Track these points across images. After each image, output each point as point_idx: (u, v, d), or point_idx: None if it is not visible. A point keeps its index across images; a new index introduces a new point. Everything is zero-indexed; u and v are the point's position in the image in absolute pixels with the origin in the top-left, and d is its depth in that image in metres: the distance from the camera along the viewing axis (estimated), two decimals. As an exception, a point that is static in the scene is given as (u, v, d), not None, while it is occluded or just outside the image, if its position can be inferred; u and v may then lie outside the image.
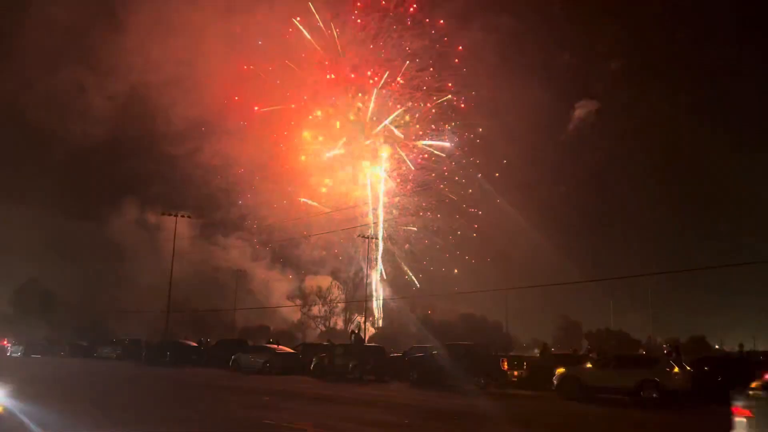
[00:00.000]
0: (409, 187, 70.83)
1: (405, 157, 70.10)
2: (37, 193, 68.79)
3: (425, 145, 70.33)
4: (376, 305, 66.87)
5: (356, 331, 36.28)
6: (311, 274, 68.66)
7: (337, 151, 70.35)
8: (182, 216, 51.31)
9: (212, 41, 68.04)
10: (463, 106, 70.38)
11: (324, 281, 65.48)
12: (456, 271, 70.37)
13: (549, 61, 79.40)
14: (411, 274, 69.74)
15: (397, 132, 69.99)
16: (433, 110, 70.31)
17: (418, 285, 69.23)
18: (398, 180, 71.50)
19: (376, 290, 67.38)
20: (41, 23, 66.83)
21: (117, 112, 70.31)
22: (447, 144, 70.00)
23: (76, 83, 68.94)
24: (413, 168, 70.26)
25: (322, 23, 68.44)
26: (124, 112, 70.47)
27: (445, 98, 69.62)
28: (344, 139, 70.66)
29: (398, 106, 69.88)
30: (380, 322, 66.93)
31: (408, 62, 68.88)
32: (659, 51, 79.81)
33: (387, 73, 68.80)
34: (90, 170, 76.93)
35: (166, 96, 66.54)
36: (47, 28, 66.62)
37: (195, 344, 40.07)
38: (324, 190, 70.87)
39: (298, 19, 67.89)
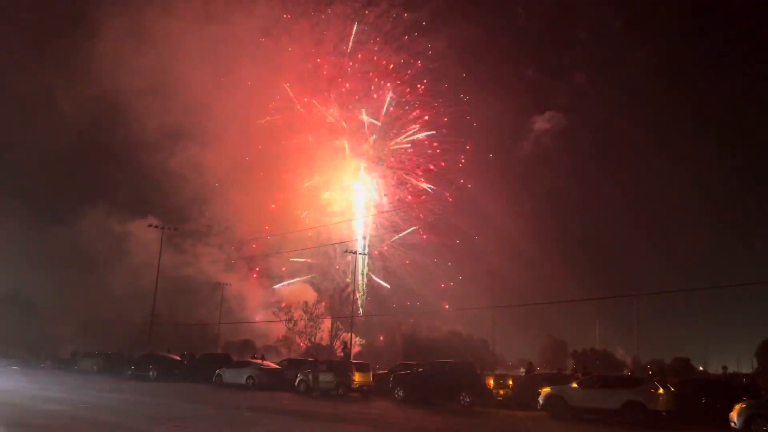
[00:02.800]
0: (388, 206, 70.96)
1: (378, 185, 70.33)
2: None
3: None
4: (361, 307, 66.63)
5: (343, 347, 36.07)
6: (290, 284, 68.03)
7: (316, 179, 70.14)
8: (170, 229, 50.97)
9: (187, 50, 67.36)
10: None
11: (303, 291, 65.09)
12: (442, 285, 70.24)
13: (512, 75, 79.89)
14: (384, 282, 69.44)
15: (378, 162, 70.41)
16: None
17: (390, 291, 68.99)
18: (381, 196, 71.64)
19: (362, 306, 67.21)
20: (9, 26, 65.73)
21: (87, 119, 69.00)
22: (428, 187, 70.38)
23: (45, 88, 67.44)
24: (384, 195, 70.49)
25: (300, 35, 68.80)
26: (95, 119, 69.24)
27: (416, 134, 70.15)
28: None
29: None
30: (363, 339, 66.71)
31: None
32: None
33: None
34: (58, 177, 74.70)
35: (140, 104, 65.58)
36: (16, 32, 65.65)
37: (178, 358, 39.52)
38: (305, 214, 70.37)
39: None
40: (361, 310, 66.38)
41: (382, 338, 64.26)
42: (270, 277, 70.48)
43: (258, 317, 64.01)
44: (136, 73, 65.70)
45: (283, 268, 70.57)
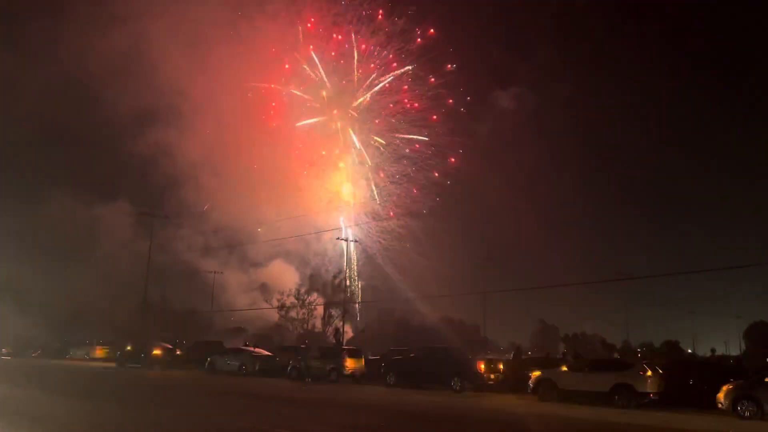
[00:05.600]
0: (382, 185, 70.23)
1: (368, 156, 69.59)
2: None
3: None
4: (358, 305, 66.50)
5: (335, 334, 36.22)
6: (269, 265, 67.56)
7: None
8: (162, 217, 50.73)
9: (159, 31, 65.42)
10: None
11: (284, 273, 64.75)
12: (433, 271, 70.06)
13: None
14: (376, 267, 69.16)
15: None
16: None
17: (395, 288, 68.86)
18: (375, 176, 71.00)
19: (355, 293, 67.15)
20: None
21: (54, 102, 66.99)
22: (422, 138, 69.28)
23: (8, 70, 64.95)
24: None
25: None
26: (62, 102, 67.34)
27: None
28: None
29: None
30: (359, 325, 66.70)
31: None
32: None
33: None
34: (26, 161, 73.64)
35: (109, 86, 64.31)
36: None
37: (170, 346, 39.55)
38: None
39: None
40: (359, 299, 66.26)
41: (374, 325, 64.34)
42: (253, 264, 69.69)
43: (242, 302, 63.61)
44: (105, 54, 63.95)
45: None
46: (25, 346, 48.62)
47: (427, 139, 68.71)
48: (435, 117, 68.57)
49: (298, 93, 69.80)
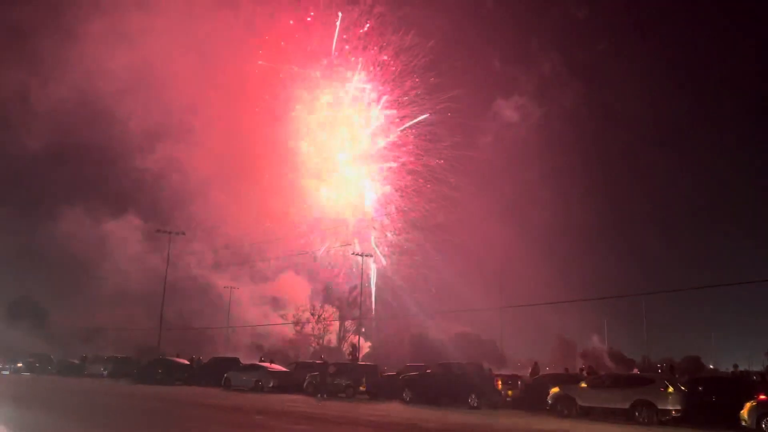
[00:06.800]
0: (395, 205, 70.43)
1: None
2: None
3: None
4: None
5: (351, 350, 36.14)
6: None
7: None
8: (177, 233, 51.18)
9: (170, 48, 65.59)
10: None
11: (297, 284, 64.79)
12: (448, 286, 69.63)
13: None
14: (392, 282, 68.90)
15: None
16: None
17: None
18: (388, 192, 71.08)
19: (370, 308, 66.92)
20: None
21: (66, 120, 66.82)
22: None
23: (20, 88, 65.48)
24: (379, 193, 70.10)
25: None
26: (74, 120, 67.32)
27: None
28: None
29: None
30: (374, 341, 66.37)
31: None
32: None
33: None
34: (37, 177, 74.76)
35: (120, 104, 64.28)
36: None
37: (187, 362, 39.69)
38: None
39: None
40: (373, 314, 66.04)
41: (389, 340, 63.92)
42: (263, 278, 69.85)
43: (253, 315, 63.64)
44: (116, 71, 64.10)
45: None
46: (44, 362, 49.01)
47: (441, 161, 69.28)
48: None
49: (306, 114, 70.52)
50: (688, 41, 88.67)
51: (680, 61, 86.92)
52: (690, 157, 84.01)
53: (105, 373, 43.07)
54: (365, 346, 61.11)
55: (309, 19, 68.61)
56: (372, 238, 68.57)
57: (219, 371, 34.83)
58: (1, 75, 64.84)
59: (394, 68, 68.79)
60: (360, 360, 45.43)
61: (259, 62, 66.98)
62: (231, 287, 62.65)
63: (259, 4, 69.01)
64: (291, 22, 68.07)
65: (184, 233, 53.65)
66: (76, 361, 48.17)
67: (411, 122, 69.14)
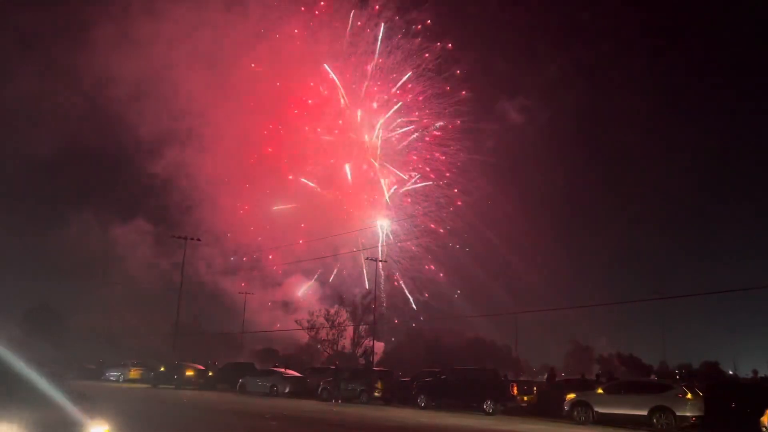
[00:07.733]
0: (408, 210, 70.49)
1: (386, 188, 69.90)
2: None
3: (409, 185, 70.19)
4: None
5: (363, 354, 36.10)
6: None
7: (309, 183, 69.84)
8: (192, 239, 51.47)
9: (179, 54, 67.04)
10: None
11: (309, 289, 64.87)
12: (457, 293, 69.49)
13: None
14: (409, 296, 69.03)
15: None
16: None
17: (414, 307, 68.48)
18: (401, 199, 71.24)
19: (384, 314, 66.92)
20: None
21: (77, 125, 69.00)
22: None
23: (31, 94, 66.75)
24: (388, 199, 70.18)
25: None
26: (85, 126, 69.38)
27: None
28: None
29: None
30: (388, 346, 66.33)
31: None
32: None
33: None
34: (48, 183, 75.50)
35: (130, 109, 65.62)
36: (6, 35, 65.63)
37: (202, 367, 39.91)
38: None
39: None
40: (387, 320, 66.09)
41: (404, 346, 63.88)
42: (274, 283, 70.20)
43: (264, 320, 63.92)
44: (125, 79, 65.26)
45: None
46: (64, 368, 49.40)
47: (452, 166, 69.32)
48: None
49: (320, 131, 71.02)
50: (694, 41, 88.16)
51: (687, 60, 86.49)
52: (707, 159, 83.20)
53: (122, 378, 43.46)
54: (379, 352, 61.08)
55: (317, 15, 69.34)
56: (381, 241, 68.72)
57: (234, 376, 35.02)
58: (14, 81, 66.09)
59: (403, 74, 69.38)
60: (374, 365, 45.37)
61: (258, 69, 67.81)
62: (246, 293, 62.87)
63: (268, 9, 69.61)
64: (295, 31, 69.00)
65: (199, 240, 53.94)
66: (93, 366, 48.56)
67: (421, 130, 69.52)
